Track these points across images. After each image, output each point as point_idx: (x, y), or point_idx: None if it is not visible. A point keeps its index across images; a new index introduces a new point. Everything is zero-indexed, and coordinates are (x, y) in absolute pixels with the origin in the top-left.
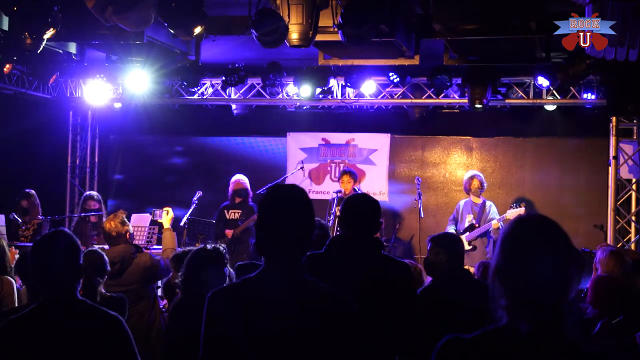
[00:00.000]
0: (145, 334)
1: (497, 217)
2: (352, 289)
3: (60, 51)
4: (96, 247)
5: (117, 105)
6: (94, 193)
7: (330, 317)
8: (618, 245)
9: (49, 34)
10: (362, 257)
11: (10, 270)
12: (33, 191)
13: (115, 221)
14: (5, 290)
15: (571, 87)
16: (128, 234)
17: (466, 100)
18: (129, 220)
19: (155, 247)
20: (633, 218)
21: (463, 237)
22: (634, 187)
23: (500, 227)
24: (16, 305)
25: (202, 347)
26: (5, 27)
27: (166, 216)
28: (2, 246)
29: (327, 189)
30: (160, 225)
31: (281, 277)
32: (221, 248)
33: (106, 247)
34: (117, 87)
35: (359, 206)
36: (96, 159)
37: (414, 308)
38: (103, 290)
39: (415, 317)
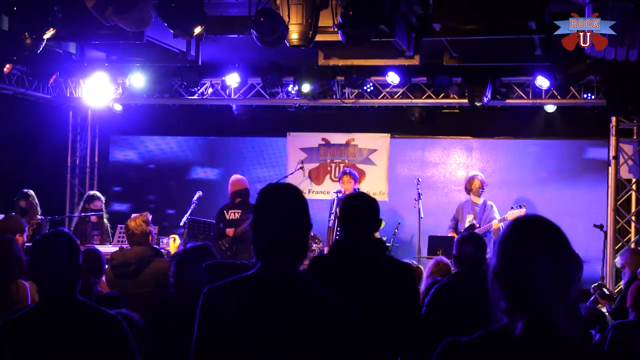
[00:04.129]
0: None
1: (497, 218)
2: (355, 290)
3: (60, 51)
4: (117, 247)
5: (118, 107)
6: (98, 193)
7: (325, 319)
8: (617, 246)
9: (49, 34)
10: (365, 258)
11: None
12: (32, 191)
13: (139, 220)
14: (20, 294)
15: (571, 87)
16: (150, 236)
17: (466, 100)
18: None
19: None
20: (633, 218)
21: None
22: (634, 187)
23: (501, 227)
24: None
25: (195, 343)
26: (5, 27)
27: (173, 243)
28: (19, 250)
29: (327, 189)
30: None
31: (277, 277)
32: (209, 246)
33: (126, 246)
34: (117, 87)
35: (356, 206)
36: (96, 159)
37: (417, 309)
38: (99, 289)
39: (418, 318)
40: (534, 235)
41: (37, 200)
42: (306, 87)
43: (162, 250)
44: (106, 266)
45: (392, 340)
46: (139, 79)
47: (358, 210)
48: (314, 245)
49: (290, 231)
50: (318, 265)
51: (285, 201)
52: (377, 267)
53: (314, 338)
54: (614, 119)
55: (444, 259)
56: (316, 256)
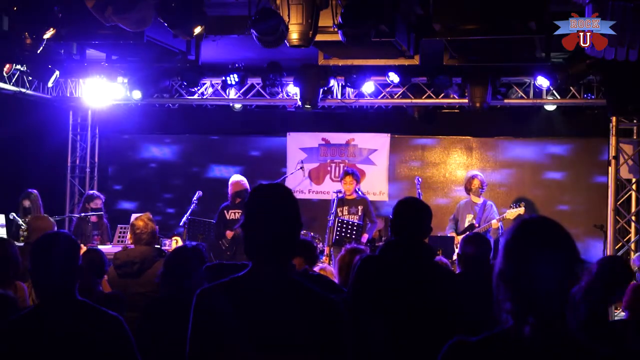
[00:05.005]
0: None
1: (496, 217)
2: (407, 295)
3: (61, 51)
4: (117, 246)
5: (116, 102)
6: (97, 192)
7: (317, 318)
8: (617, 246)
9: (49, 34)
10: (414, 262)
11: (24, 276)
12: (35, 191)
13: (145, 218)
14: (19, 295)
15: (571, 87)
16: (156, 235)
17: (466, 100)
18: (129, 221)
19: None
20: (633, 218)
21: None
22: (634, 187)
23: (500, 227)
24: None
25: (190, 344)
26: (6, 27)
27: (175, 245)
28: (16, 252)
29: (327, 189)
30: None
31: (269, 278)
32: (200, 247)
33: (130, 246)
34: (117, 87)
35: (413, 211)
36: (96, 159)
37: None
38: (100, 289)
39: (455, 325)
40: (540, 237)
41: (40, 201)
42: (307, 106)
43: (165, 252)
44: (108, 266)
45: (436, 344)
46: (137, 92)
47: (412, 215)
48: None
49: (281, 231)
50: (367, 265)
51: (275, 201)
52: (427, 272)
53: (306, 338)
54: (614, 119)
55: (443, 259)
56: (367, 256)
